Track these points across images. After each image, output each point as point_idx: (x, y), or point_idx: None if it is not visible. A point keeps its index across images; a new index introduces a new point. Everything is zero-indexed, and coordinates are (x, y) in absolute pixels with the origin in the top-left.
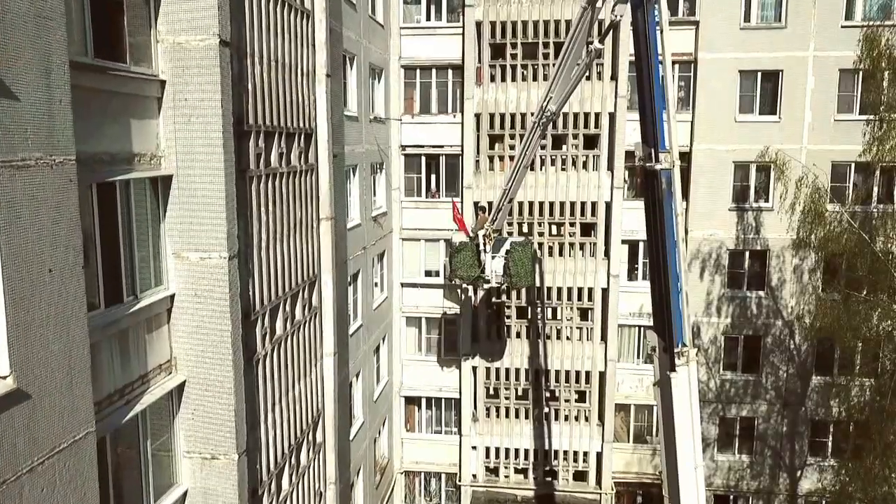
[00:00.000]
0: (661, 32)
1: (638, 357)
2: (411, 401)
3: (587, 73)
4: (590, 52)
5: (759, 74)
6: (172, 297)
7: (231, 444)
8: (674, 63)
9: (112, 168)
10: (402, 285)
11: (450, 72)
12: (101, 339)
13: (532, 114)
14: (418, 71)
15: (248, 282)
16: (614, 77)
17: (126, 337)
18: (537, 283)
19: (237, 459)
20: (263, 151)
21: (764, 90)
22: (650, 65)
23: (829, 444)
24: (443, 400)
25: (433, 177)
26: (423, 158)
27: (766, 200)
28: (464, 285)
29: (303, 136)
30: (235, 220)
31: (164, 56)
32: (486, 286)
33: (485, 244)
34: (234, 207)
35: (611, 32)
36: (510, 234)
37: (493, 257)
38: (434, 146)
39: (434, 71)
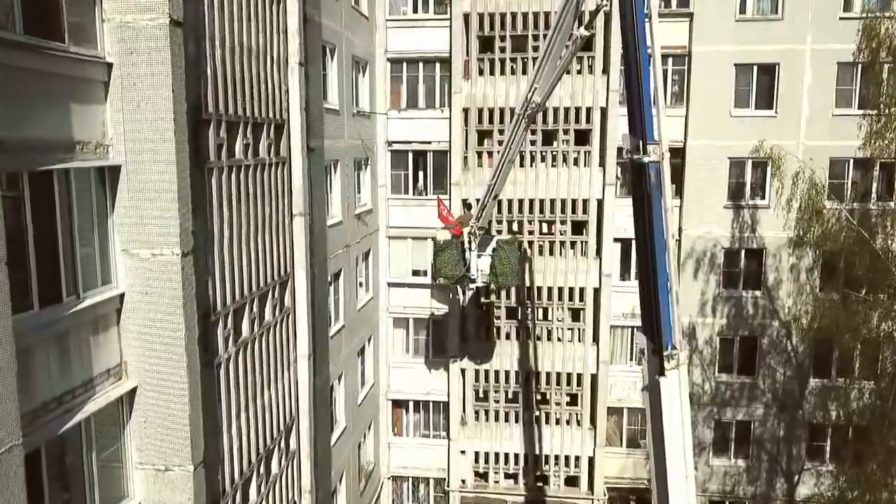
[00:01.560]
0: (650, 22)
1: (631, 359)
2: (398, 404)
3: (578, 68)
4: (575, 40)
5: (756, 68)
6: (122, 296)
7: (186, 455)
8: (667, 56)
9: (49, 156)
10: (389, 285)
11: (437, 65)
12: (34, 343)
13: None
14: (405, 64)
15: (208, 280)
16: (606, 71)
17: (66, 340)
18: (526, 283)
19: (193, 471)
20: (226, 142)
21: (760, 84)
22: (638, 55)
23: (828, 448)
24: (431, 403)
25: (421, 173)
26: (411, 154)
27: (763, 197)
28: (449, 285)
29: (273, 127)
30: (190, 215)
31: (110, 36)
32: (471, 286)
33: (469, 242)
34: (189, 200)
35: (603, 25)
36: (499, 231)
37: (478, 256)
38: (421, 142)
39: (421, 64)
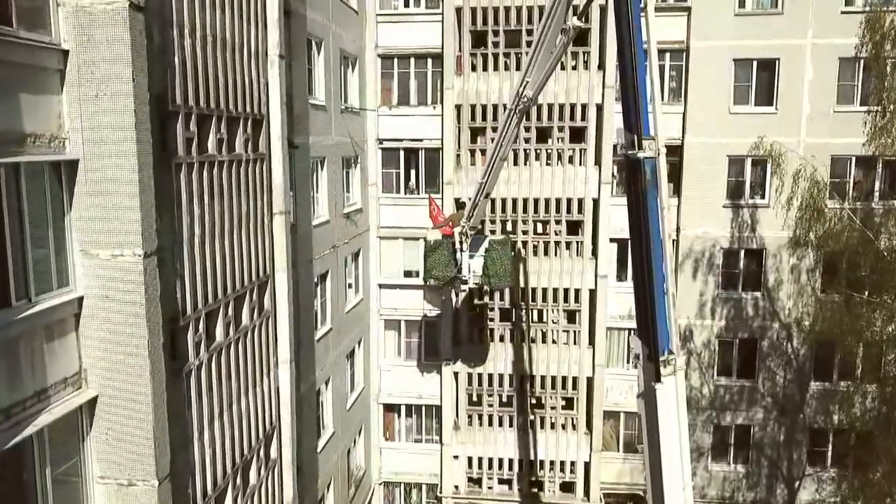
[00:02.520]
0: (646, 14)
1: (627, 362)
2: (390, 408)
3: (574, 63)
4: (567, 31)
5: (755, 63)
6: (81, 300)
7: (150, 469)
8: (665, 51)
9: None
10: (380, 286)
11: (429, 61)
12: None
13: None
14: (396, 60)
15: (177, 282)
16: (602, 67)
17: (16, 347)
18: (521, 284)
19: (158, 486)
20: (196, 136)
21: (760, 80)
22: (633, 49)
23: (829, 454)
24: (423, 407)
25: (412, 172)
26: (402, 153)
27: (763, 196)
28: (440, 287)
29: (250, 122)
30: (154, 213)
31: (66, 22)
32: (463, 287)
33: (461, 243)
34: (153, 198)
35: (598, 19)
36: (493, 231)
37: (470, 256)
38: (413, 139)
39: (412, 60)
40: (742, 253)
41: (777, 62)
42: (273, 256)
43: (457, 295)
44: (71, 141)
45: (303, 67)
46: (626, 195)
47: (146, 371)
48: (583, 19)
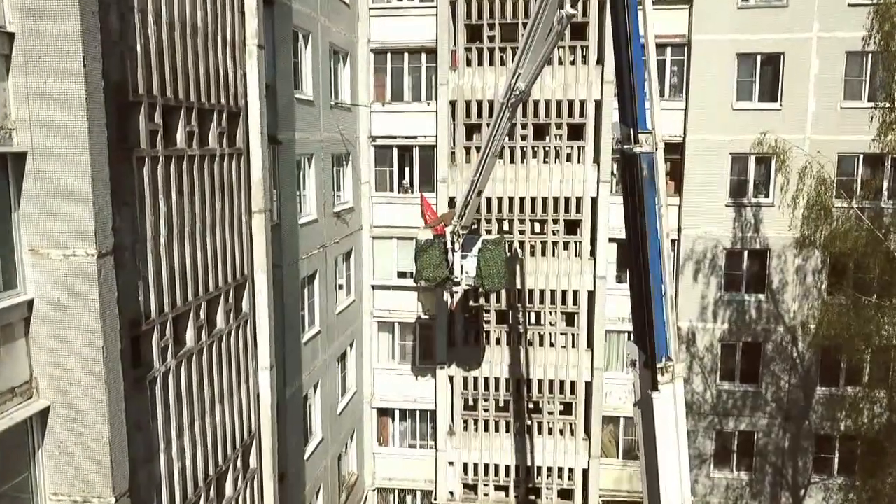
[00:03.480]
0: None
1: (627, 366)
2: (384, 412)
3: (571, 58)
4: (561, 20)
5: (759, 58)
6: (31, 303)
7: (106, 484)
8: (665, 46)
9: None
10: (373, 287)
11: (423, 56)
12: None
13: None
14: (389, 55)
15: (139, 284)
16: (600, 61)
17: None
18: (517, 286)
19: (114, 502)
20: (162, 129)
21: (764, 75)
22: (629, 42)
23: (836, 460)
24: (418, 412)
25: (406, 170)
26: (395, 150)
27: (767, 195)
28: (432, 288)
29: (225, 115)
30: (110, 210)
31: (11, 2)
32: (455, 289)
33: (452, 242)
34: (108, 193)
35: (597, 12)
36: (488, 231)
37: (463, 257)
38: (407, 137)
39: (406, 55)
40: (745, 254)
41: (781, 57)
42: (252, 257)
43: (451, 297)
44: (18, 131)
45: (288, 60)
46: (622, 193)
47: (101, 380)
48: (576, 7)
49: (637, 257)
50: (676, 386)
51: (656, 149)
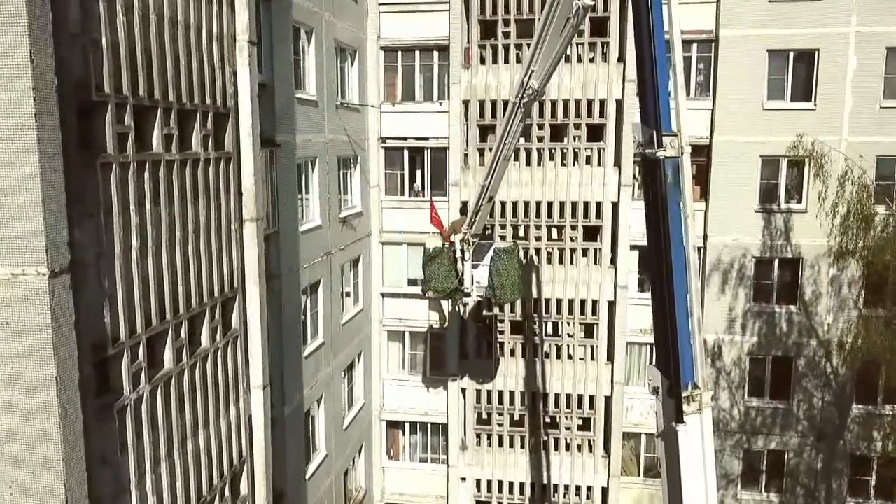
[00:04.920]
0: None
1: (649, 393)
2: (394, 425)
3: (591, 55)
4: (577, 12)
5: (792, 54)
6: None
7: None
8: (691, 42)
9: None
10: (383, 295)
11: (435, 53)
12: None
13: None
14: (400, 53)
15: (105, 303)
16: (622, 59)
17: None
18: (534, 295)
19: None
20: (133, 131)
21: (797, 73)
22: (652, 38)
23: (873, 482)
24: (429, 425)
25: (418, 172)
26: (406, 152)
27: (799, 201)
28: (441, 300)
29: (211, 116)
30: (66, 222)
31: None
32: (465, 301)
33: (462, 251)
34: (64, 205)
35: (619, 6)
36: (503, 237)
37: (473, 266)
38: (418, 138)
39: (418, 53)
40: (776, 263)
41: (816, 53)
42: (243, 268)
43: (463, 307)
44: None
45: (287, 58)
46: (644, 200)
47: (55, 413)
48: (594, 0)
49: (660, 272)
50: (704, 417)
51: (682, 153)
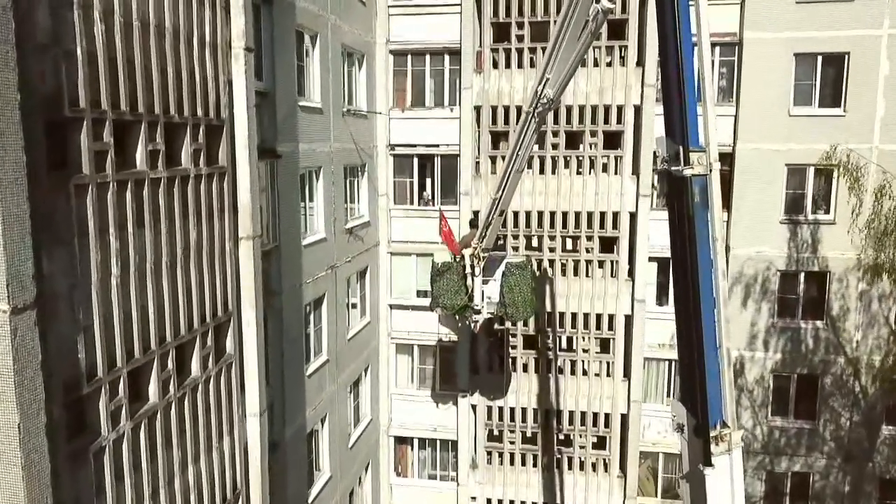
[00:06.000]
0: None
1: (668, 396)
2: (402, 440)
3: (609, 59)
4: (596, 16)
5: (820, 58)
6: None
7: None
8: (714, 45)
9: None
10: (391, 307)
11: (447, 57)
12: None
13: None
14: (410, 57)
15: (79, 337)
16: (640, 62)
17: None
18: (547, 308)
19: None
20: (113, 148)
21: (825, 77)
22: (679, 42)
23: None
24: (438, 441)
25: (428, 181)
26: (416, 159)
27: (827, 212)
28: (450, 316)
29: (203, 129)
30: (30, 253)
31: None
32: (475, 318)
33: (472, 266)
34: (27, 233)
35: (637, 7)
36: (515, 248)
37: (484, 282)
38: (428, 145)
39: (428, 57)
40: (801, 276)
41: (846, 56)
42: (238, 289)
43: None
44: None
45: (290, 64)
46: (669, 222)
47: (17, 465)
48: (614, 1)
49: (685, 298)
50: (734, 457)
51: (710, 170)
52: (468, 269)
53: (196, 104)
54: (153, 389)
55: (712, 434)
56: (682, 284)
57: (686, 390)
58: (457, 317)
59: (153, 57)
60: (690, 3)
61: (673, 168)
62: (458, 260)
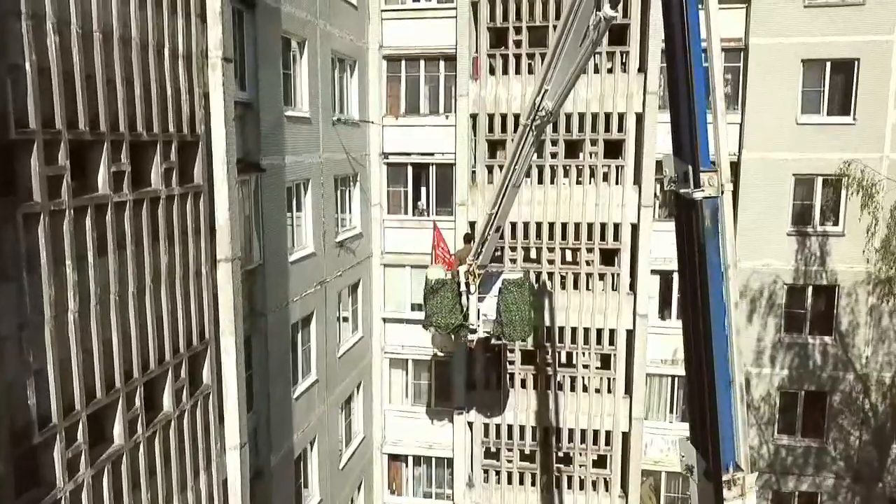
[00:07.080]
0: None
1: (670, 413)
2: (396, 458)
3: (609, 66)
4: (597, 25)
5: (829, 65)
6: None
7: None
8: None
9: None
10: (385, 321)
11: (442, 63)
12: None
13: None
14: (403, 62)
15: (28, 382)
16: (642, 69)
17: None
18: (546, 323)
19: None
20: (69, 172)
21: (834, 85)
22: (688, 49)
23: None
24: (433, 459)
25: (422, 190)
26: (410, 168)
27: (836, 223)
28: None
29: (175, 146)
30: None
31: None
32: (470, 337)
33: (467, 284)
34: None
35: (639, 12)
36: (513, 261)
37: (480, 299)
38: (422, 154)
39: (423, 62)
40: (809, 290)
41: (856, 63)
42: (216, 315)
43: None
44: None
45: (275, 73)
46: (677, 246)
47: None
48: (617, 9)
49: (695, 329)
50: (748, 502)
51: (722, 192)
52: (463, 287)
53: (168, 119)
54: (118, 430)
55: (725, 478)
56: (691, 312)
57: (696, 430)
58: (452, 336)
59: (117, 70)
60: (699, 6)
61: (682, 191)
62: (452, 277)
